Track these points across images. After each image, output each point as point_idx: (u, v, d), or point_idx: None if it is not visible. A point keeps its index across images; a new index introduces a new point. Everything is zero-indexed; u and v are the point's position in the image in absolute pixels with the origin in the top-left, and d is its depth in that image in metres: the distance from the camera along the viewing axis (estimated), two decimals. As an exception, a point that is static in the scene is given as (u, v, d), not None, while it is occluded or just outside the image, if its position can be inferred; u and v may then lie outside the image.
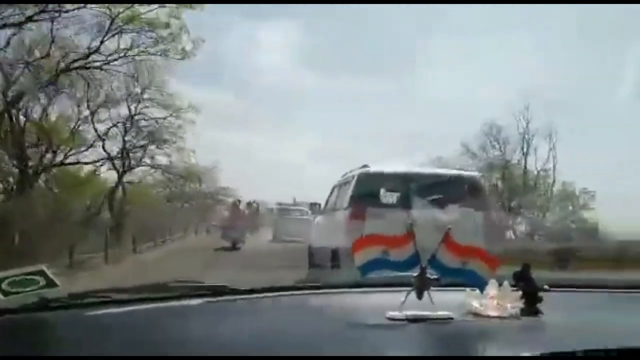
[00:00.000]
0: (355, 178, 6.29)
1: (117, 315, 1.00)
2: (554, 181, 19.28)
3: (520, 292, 0.95)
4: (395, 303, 0.90)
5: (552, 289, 1.09)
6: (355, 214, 5.46)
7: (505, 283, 0.95)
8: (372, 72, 27.09)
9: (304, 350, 0.76)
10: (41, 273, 1.03)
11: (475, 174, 7.85)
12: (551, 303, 0.96)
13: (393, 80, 29.69)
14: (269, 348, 0.79)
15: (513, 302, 0.93)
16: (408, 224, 0.96)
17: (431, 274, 0.93)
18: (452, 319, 0.90)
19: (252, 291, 1.16)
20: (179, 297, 1.10)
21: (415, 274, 0.92)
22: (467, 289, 0.96)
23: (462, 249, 0.94)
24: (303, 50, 27.14)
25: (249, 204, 18.25)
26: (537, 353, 0.71)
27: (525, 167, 19.31)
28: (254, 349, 0.79)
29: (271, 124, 28.15)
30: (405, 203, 5.49)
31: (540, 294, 0.97)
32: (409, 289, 0.91)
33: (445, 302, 0.92)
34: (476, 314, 0.93)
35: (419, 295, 0.91)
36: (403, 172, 6.44)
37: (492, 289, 0.94)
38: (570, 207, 20.01)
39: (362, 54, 28.26)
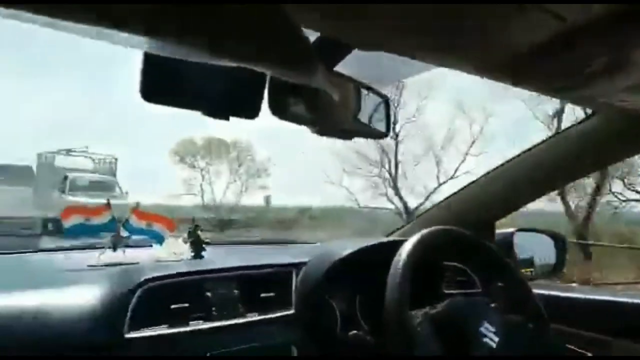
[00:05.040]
0: None
1: None
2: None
3: (189, 244, 1.34)
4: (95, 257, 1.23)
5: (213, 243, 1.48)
6: None
7: (180, 238, 1.36)
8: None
9: (26, 287, 0.99)
10: None
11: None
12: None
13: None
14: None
15: (183, 250, 1.33)
16: (107, 199, 1.34)
17: (124, 234, 1.29)
18: (138, 263, 1.21)
19: None
20: None
21: (112, 235, 1.28)
22: (154, 245, 1.35)
23: (147, 216, 1.33)
24: None
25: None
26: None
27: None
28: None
29: None
30: None
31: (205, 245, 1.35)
32: (105, 248, 1.26)
33: (138, 255, 1.27)
34: (158, 260, 1.28)
35: (114, 249, 1.27)
36: None
37: (170, 242, 1.35)
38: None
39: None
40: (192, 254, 1.36)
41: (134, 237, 1.34)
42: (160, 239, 1.37)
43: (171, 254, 1.34)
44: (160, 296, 1.03)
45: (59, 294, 1.00)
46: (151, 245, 1.38)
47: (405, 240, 0.99)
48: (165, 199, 11.98)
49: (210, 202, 13.42)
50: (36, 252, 1.44)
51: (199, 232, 1.40)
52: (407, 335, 0.85)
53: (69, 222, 1.25)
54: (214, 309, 1.06)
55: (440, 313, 1.01)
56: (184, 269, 1.16)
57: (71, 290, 1.01)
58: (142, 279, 1.04)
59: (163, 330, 0.99)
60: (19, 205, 7.06)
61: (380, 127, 0.86)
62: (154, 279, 1.05)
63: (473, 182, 1.44)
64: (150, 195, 11.31)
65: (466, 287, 1.35)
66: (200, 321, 1.04)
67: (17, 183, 7.84)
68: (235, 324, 1.05)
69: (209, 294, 1.08)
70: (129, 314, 0.97)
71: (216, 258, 1.35)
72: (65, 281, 1.07)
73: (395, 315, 0.85)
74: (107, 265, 1.21)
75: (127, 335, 0.95)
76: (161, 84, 0.57)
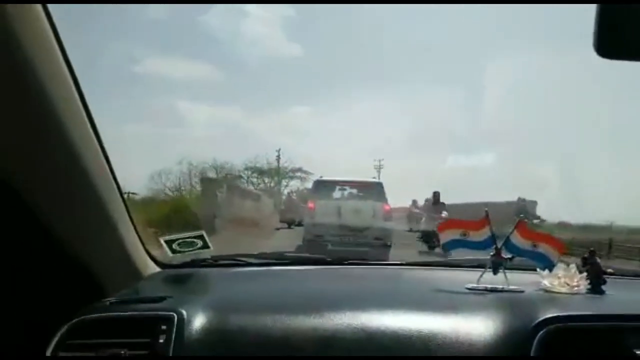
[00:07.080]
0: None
1: (245, 273, 1.36)
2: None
3: (585, 274, 1.12)
4: (473, 278, 1.12)
5: (616, 274, 1.24)
6: None
7: (572, 265, 1.14)
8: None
9: (403, 306, 0.95)
10: (201, 237, 1.32)
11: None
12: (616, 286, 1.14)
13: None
14: (370, 307, 0.95)
15: (579, 281, 1.12)
16: (485, 210, 1.17)
17: (505, 254, 1.14)
18: (522, 291, 1.09)
19: (347, 262, 1.43)
20: (289, 264, 1.46)
21: (491, 254, 1.14)
22: (539, 270, 1.15)
23: (532, 234, 1.17)
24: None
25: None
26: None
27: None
28: (364, 307, 0.95)
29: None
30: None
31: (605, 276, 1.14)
32: (484, 268, 1.13)
33: (518, 280, 1.11)
34: (546, 290, 1.12)
35: (495, 272, 1.13)
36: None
37: (560, 269, 1.14)
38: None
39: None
40: (589, 287, 1.11)
41: (517, 259, 1.17)
42: (548, 264, 1.14)
43: (563, 285, 1.11)
44: (563, 341, 0.83)
45: (440, 315, 0.92)
46: (535, 269, 1.17)
47: None
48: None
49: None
50: (405, 265, 1.44)
51: (598, 259, 1.13)
52: None
53: (445, 237, 1.18)
54: None
55: None
56: (589, 309, 0.93)
57: (457, 313, 0.93)
58: (542, 318, 0.85)
59: None
60: (370, 219, 7.48)
61: None
62: (557, 319, 0.85)
63: None
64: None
65: None
66: None
67: (369, 198, 8.24)
68: None
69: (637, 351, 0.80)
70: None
71: (623, 295, 1.07)
72: (440, 301, 1.00)
73: None
74: (488, 290, 1.09)
75: None
76: (622, 38, 0.47)
